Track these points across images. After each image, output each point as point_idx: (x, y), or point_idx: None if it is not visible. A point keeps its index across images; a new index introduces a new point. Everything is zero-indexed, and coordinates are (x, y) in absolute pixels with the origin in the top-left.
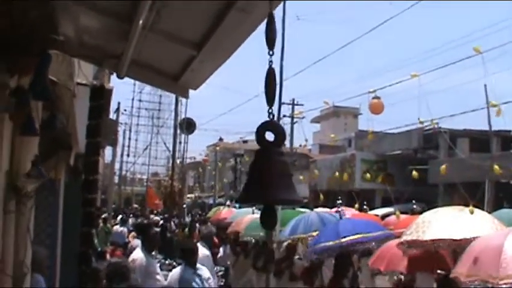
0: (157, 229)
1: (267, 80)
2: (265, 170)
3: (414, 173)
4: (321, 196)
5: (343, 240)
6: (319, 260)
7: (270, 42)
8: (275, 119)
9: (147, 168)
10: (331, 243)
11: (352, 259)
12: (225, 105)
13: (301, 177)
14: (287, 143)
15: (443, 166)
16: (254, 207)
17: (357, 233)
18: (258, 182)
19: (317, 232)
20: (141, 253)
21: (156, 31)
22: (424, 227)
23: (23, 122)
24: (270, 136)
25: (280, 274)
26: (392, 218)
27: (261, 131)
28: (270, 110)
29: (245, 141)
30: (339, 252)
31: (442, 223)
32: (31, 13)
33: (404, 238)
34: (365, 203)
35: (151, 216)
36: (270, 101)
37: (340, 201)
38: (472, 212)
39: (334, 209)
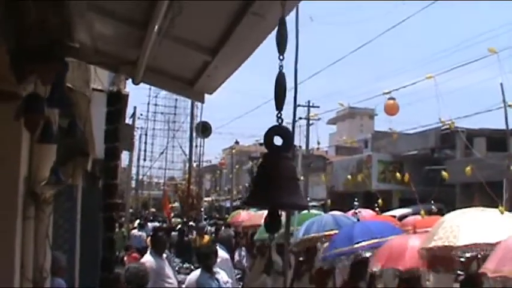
0: (175, 232)
1: (276, 85)
2: (272, 173)
3: (444, 173)
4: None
5: (357, 246)
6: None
7: (281, 46)
8: (284, 122)
9: (164, 172)
10: (344, 249)
11: (368, 262)
12: (241, 108)
13: (318, 178)
14: (303, 145)
15: (468, 168)
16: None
17: (372, 238)
18: (264, 185)
19: (332, 232)
20: (151, 257)
21: (171, 37)
22: (454, 232)
23: (41, 129)
24: (278, 141)
25: (300, 276)
26: (411, 219)
27: (269, 135)
28: (279, 115)
29: (261, 144)
30: (354, 258)
31: (474, 226)
32: (49, 21)
33: (433, 244)
34: (376, 204)
35: (173, 219)
36: (279, 105)
37: (357, 203)
38: (502, 212)
39: (351, 212)
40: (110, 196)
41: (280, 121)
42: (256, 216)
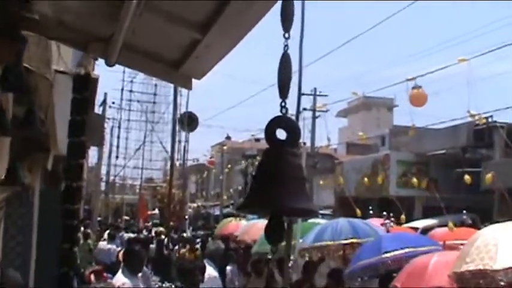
0: (153, 245)
1: (280, 67)
2: (274, 172)
3: (466, 177)
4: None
5: (386, 255)
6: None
7: (286, 22)
8: (288, 113)
9: (140, 173)
10: (372, 259)
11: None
12: (234, 96)
13: (324, 182)
14: (308, 141)
15: (489, 175)
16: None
17: (404, 247)
18: (264, 187)
19: (348, 241)
20: (123, 276)
21: (153, 9)
22: (491, 252)
23: None
24: (281, 134)
25: None
26: (437, 231)
27: (270, 127)
28: (283, 103)
29: (257, 140)
30: (383, 270)
31: None
32: None
33: (465, 267)
34: (391, 214)
35: (154, 229)
36: (283, 91)
37: (371, 211)
38: None
39: (372, 219)
40: (72, 200)
41: (284, 111)
42: (250, 227)
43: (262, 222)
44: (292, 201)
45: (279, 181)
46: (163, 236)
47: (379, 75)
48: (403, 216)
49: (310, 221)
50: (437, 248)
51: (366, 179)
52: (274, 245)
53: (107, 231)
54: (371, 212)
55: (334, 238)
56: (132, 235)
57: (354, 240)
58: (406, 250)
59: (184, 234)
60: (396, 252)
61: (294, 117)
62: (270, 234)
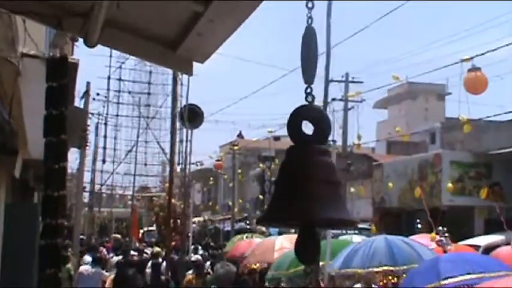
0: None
1: (303, 44)
2: (302, 176)
3: None
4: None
5: (447, 282)
6: None
7: None
8: (316, 102)
9: (133, 180)
10: (428, 286)
11: None
12: (246, 85)
13: (359, 189)
14: (338, 139)
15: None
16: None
17: (470, 273)
18: (290, 195)
19: (380, 268)
20: None
21: None
22: None
23: None
24: (308, 128)
25: None
26: (503, 250)
27: (294, 120)
28: (308, 89)
29: (277, 138)
30: None
31: None
32: None
33: None
34: (445, 229)
35: (148, 249)
36: (307, 74)
37: (419, 225)
38: None
39: (421, 236)
40: (53, 214)
41: (310, 99)
42: (261, 247)
43: (270, 240)
44: (325, 210)
45: (308, 186)
46: (160, 259)
47: (426, 55)
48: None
49: (343, 237)
50: (508, 273)
51: (411, 185)
52: (307, 264)
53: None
54: (419, 226)
55: (365, 264)
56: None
57: (387, 268)
58: (472, 276)
59: (194, 258)
60: (460, 279)
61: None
62: (301, 251)
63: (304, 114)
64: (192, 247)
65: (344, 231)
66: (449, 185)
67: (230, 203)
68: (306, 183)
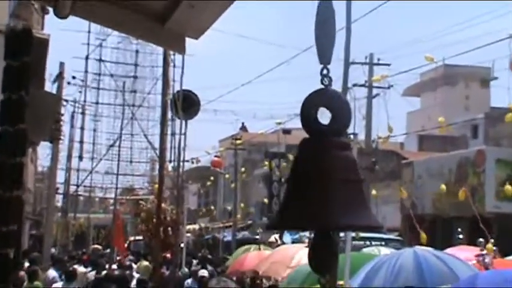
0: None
1: (319, 17)
2: (318, 173)
3: None
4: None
5: None
6: None
7: None
8: (334, 86)
9: (115, 180)
10: None
11: None
12: (251, 67)
13: (386, 192)
14: (361, 131)
15: None
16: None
17: None
18: (304, 196)
19: None
20: None
21: None
22: None
23: None
24: (325, 116)
25: None
26: None
27: (308, 107)
28: (325, 71)
29: (287, 132)
30: None
31: None
32: None
33: None
34: (492, 240)
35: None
36: (323, 53)
37: (461, 235)
38: None
39: (461, 248)
40: (4, 219)
41: (326, 81)
42: (277, 256)
43: (284, 251)
44: (345, 215)
45: (325, 186)
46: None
47: (466, 33)
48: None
49: (367, 250)
50: None
51: (448, 188)
52: (322, 275)
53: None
54: (460, 237)
55: (388, 282)
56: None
57: None
58: None
59: (201, 273)
60: None
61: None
62: (316, 259)
63: (320, 100)
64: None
65: (368, 243)
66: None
67: (231, 208)
68: (322, 182)
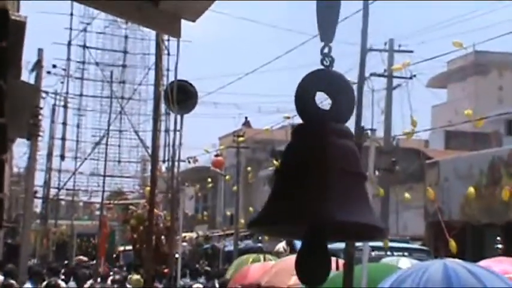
0: None
1: None
2: (312, 162)
3: None
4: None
5: None
6: None
7: None
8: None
9: (102, 183)
10: None
11: None
12: (255, 54)
13: (408, 195)
14: (380, 128)
15: None
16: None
17: None
18: (295, 189)
19: None
20: None
21: None
22: None
23: None
24: (324, 101)
25: None
26: None
27: (306, 90)
28: (326, 49)
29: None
30: None
31: None
32: None
33: None
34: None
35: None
36: (325, 29)
37: (500, 245)
38: None
39: (499, 260)
40: None
41: (327, 62)
42: (280, 265)
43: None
44: (343, 209)
45: (319, 175)
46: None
47: (500, 16)
48: None
49: (387, 260)
50: None
51: (479, 191)
52: (313, 285)
53: (45, 283)
54: (499, 247)
55: None
56: None
57: None
58: None
59: (195, 286)
60: None
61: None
62: (303, 265)
63: (319, 82)
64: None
65: (389, 253)
66: None
67: (233, 214)
68: (317, 173)
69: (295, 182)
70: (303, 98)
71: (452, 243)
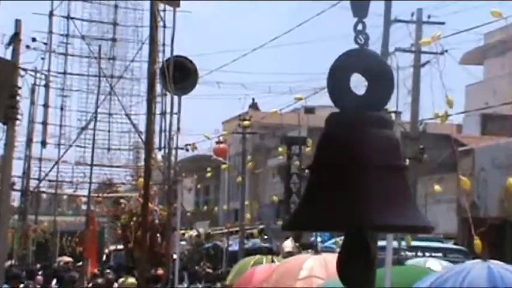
0: None
1: None
2: (348, 158)
3: None
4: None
5: None
6: None
7: None
8: (369, 46)
9: (89, 173)
10: None
11: None
12: (263, 27)
13: (438, 187)
14: (406, 110)
15: None
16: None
17: None
18: (330, 187)
19: None
20: None
21: None
22: None
23: None
24: (359, 85)
25: None
26: None
27: (339, 73)
28: (360, 26)
29: (309, 110)
30: None
31: None
32: None
33: None
34: None
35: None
36: (358, 3)
37: None
38: None
39: None
40: None
41: (362, 40)
42: (283, 268)
43: (300, 260)
44: (382, 210)
45: (357, 173)
46: None
47: None
48: None
49: (413, 261)
50: None
51: None
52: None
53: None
54: None
55: None
56: None
57: None
58: None
59: None
60: None
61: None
62: (346, 272)
63: (353, 63)
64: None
65: (420, 254)
66: None
67: (237, 208)
68: (354, 169)
69: (330, 181)
70: (336, 82)
71: (478, 242)
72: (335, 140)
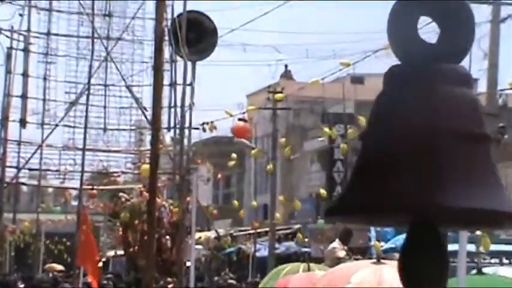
0: None
1: None
2: (414, 123)
3: None
4: None
5: None
6: None
7: None
8: None
9: (81, 160)
10: None
11: None
12: None
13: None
14: (482, 76)
15: None
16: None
17: None
18: (387, 162)
19: None
20: None
21: None
22: None
23: None
24: (430, 33)
25: None
26: None
27: (403, 16)
28: None
29: (358, 80)
30: None
31: None
32: None
33: None
34: None
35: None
36: None
37: None
38: None
39: None
40: None
41: None
42: (325, 280)
43: (351, 266)
44: (458, 190)
45: (425, 143)
46: None
47: None
48: None
49: (489, 270)
50: None
51: None
52: None
53: None
54: None
55: None
56: None
57: None
58: None
59: None
60: None
61: None
62: (409, 270)
63: (421, 4)
64: None
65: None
66: None
67: (266, 204)
68: (421, 138)
69: (387, 155)
70: (400, 28)
71: None
72: (397, 101)
